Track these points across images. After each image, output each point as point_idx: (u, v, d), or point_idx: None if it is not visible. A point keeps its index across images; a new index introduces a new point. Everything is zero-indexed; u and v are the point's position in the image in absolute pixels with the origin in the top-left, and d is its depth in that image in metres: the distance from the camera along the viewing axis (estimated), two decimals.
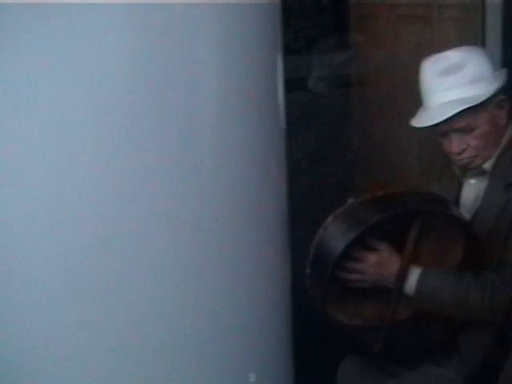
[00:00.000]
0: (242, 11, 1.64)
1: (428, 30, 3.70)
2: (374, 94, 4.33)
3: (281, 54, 1.76)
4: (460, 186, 2.35)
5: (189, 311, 1.71)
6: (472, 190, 2.31)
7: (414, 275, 2.18)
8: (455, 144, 2.21)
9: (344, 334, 2.29)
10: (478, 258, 2.19)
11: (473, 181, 2.31)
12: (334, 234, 2.11)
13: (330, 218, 2.13)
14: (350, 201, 2.19)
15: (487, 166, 2.25)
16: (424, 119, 2.24)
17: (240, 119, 1.64)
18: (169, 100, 1.58)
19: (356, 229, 2.07)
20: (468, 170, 2.30)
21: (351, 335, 2.29)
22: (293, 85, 4.02)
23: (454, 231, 2.18)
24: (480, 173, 2.28)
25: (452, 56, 2.23)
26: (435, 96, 2.22)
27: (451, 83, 2.19)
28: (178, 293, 1.69)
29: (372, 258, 2.17)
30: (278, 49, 1.76)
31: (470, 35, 3.03)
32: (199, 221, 1.65)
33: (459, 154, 2.22)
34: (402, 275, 2.17)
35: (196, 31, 1.59)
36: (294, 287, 2.15)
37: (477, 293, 2.13)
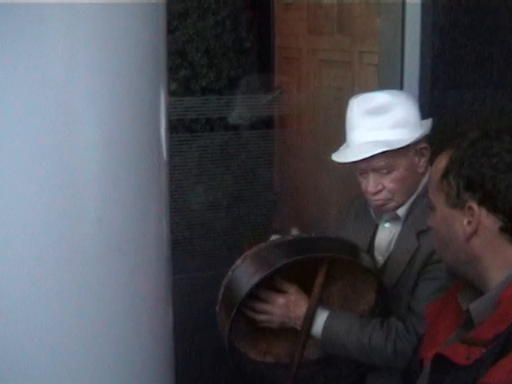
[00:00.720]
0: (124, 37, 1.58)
1: (349, 74, 3.76)
2: (296, 135, 4.37)
3: (164, 89, 1.72)
4: (376, 228, 2.37)
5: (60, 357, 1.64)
6: (386, 234, 2.33)
7: (320, 319, 2.19)
8: (372, 184, 2.21)
9: (253, 372, 2.27)
10: (387, 304, 2.22)
11: (387, 225, 2.33)
12: (242, 276, 2.12)
13: (240, 260, 2.15)
14: (271, 238, 2.21)
15: (401, 211, 2.26)
16: (344, 156, 2.25)
17: (119, 154, 1.59)
18: (44, 136, 1.52)
19: (262, 272, 2.08)
20: (383, 213, 2.32)
21: (261, 373, 2.28)
22: (213, 124, 4.03)
23: (366, 276, 2.20)
24: (394, 217, 2.29)
25: (381, 97, 2.24)
26: (358, 134, 2.22)
27: (376, 124, 2.19)
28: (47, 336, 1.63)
29: (280, 300, 2.17)
30: (162, 85, 1.72)
31: (388, 81, 3.09)
32: (74, 257, 1.58)
33: (375, 194, 2.23)
34: (309, 318, 2.18)
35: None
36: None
37: (380, 340, 2.14)
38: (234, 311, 2.06)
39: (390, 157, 2.17)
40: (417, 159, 2.23)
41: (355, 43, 3.71)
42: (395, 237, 2.29)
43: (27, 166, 1.53)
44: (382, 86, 3.13)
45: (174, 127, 4.00)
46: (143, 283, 1.68)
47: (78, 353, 1.61)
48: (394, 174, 2.20)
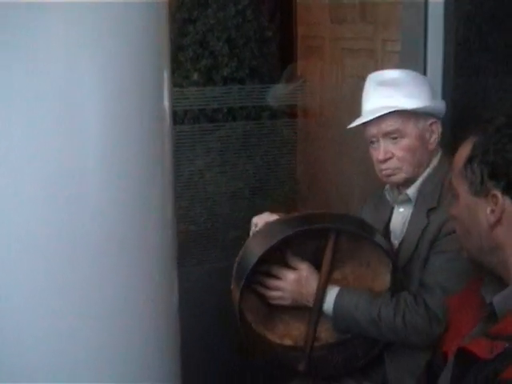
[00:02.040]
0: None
1: (371, 62, 3.74)
2: (318, 125, 4.35)
3: (167, 77, 1.70)
4: (391, 214, 2.42)
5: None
6: (400, 217, 2.38)
7: (331, 295, 2.21)
8: (381, 151, 2.28)
9: (270, 353, 2.30)
10: (400, 284, 2.23)
11: (401, 208, 2.38)
12: (253, 250, 2.16)
13: (251, 236, 2.23)
14: None
15: (411, 192, 2.32)
16: (357, 121, 2.33)
17: (121, 145, 1.57)
18: (44, 128, 1.51)
19: (270, 244, 2.11)
20: (398, 196, 2.37)
21: (278, 354, 2.30)
22: (235, 114, 4.01)
23: (380, 256, 2.20)
24: (406, 200, 2.34)
25: (394, 72, 2.37)
26: (371, 102, 2.32)
27: (388, 93, 2.29)
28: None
29: (291, 275, 2.21)
30: (165, 72, 1.70)
31: (412, 69, 3.05)
32: (75, 251, 1.55)
33: (384, 162, 2.29)
34: (320, 292, 2.20)
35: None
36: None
37: (389, 311, 2.17)
38: (243, 282, 2.10)
39: (400, 121, 2.26)
40: (428, 134, 2.30)
41: (378, 31, 3.69)
42: (408, 219, 2.34)
43: (26, 159, 1.52)
44: None
45: (195, 117, 3.99)
46: (146, 278, 1.67)
47: (79, 349, 1.60)
48: (404, 142, 2.27)
